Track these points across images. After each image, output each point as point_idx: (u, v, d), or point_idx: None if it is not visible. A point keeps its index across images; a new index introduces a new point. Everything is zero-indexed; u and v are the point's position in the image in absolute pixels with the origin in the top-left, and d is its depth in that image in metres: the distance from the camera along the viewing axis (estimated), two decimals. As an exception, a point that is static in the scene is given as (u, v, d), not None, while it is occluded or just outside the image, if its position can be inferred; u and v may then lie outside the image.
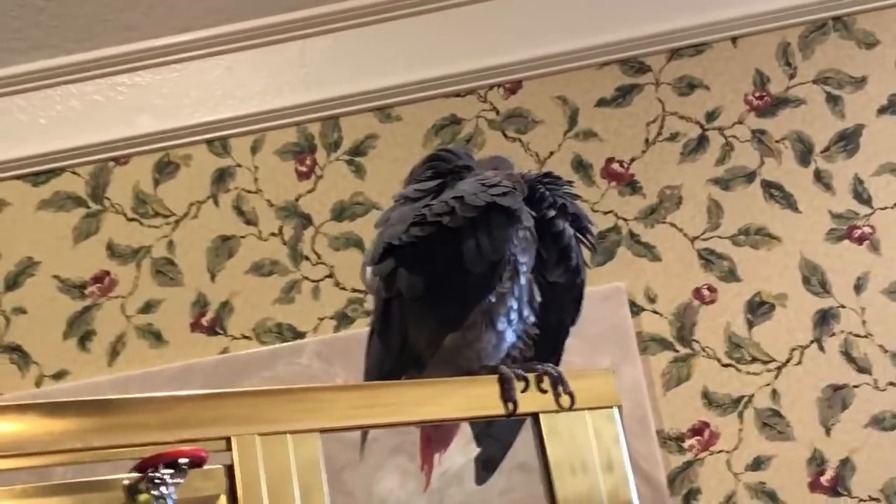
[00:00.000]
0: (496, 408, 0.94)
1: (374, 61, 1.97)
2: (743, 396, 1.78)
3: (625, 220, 1.88)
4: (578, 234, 1.11)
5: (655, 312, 1.83)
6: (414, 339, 1.06)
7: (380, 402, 0.90)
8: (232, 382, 1.81)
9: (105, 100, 2.00)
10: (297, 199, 1.93)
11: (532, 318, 1.09)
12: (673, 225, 1.87)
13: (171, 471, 0.73)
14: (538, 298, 1.09)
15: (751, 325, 1.82)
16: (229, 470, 0.79)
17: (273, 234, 1.92)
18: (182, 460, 0.74)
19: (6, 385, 1.87)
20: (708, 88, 1.92)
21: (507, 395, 0.95)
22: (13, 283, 1.92)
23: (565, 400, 0.98)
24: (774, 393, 1.78)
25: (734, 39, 1.93)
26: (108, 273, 1.92)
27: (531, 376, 0.98)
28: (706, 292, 1.84)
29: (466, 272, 1.02)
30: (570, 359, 1.77)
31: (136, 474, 0.75)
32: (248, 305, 1.89)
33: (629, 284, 1.84)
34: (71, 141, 1.98)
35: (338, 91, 1.97)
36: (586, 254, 1.14)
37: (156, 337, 1.88)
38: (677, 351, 1.81)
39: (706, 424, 1.78)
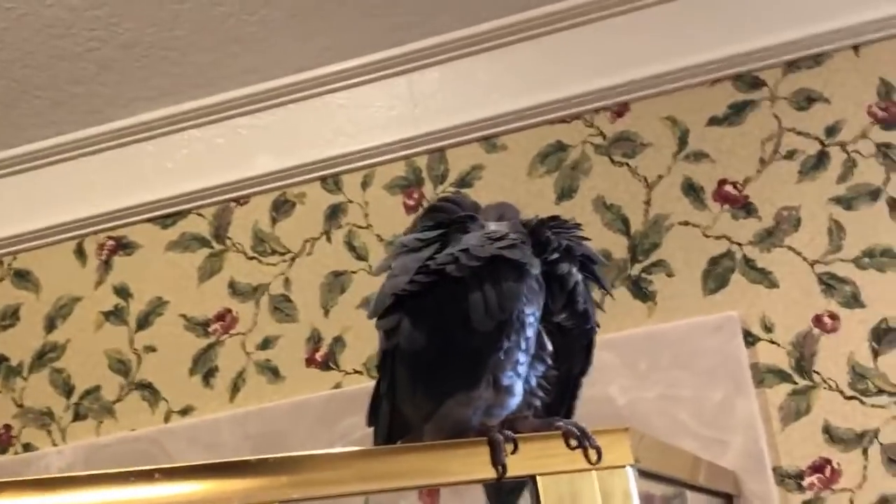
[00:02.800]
0: (488, 472, 0.93)
1: (480, 91, 1.96)
2: (867, 431, 1.67)
3: (738, 244, 1.79)
4: (589, 277, 1.08)
5: (772, 342, 1.74)
6: (413, 398, 1.04)
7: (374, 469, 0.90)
8: (342, 418, 1.84)
9: (226, 142, 2.08)
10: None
11: (541, 368, 1.07)
12: (791, 248, 1.77)
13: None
14: (549, 347, 1.07)
15: (876, 354, 1.70)
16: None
17: (383, 269, 1.93)
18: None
19: (139, 421, 1.97)
20: (828, 101, 1.81)
21: (496, 459, 0.93)
22: (144, 323, 2.03)
23: (592, 454, 0.95)
24: (903, 428, 1.66)
25: (856, 47, 1.80)
26: (229, 311, 1.99)
27: (524, 437, 0.96)
28: (827, 320, 1.73)
29: (472, 330, 0.99)
30: (678, 392, 1.74)
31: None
32: (359, 340, 1.92)
33: (743, 313, 1.75)
34: (196, 183, 2.07)
35: (444, 123, 1.97)
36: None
37: (273, 373, 1.94)
38: (796, 383, 1.71)
39: (828, 461, 1.67)
